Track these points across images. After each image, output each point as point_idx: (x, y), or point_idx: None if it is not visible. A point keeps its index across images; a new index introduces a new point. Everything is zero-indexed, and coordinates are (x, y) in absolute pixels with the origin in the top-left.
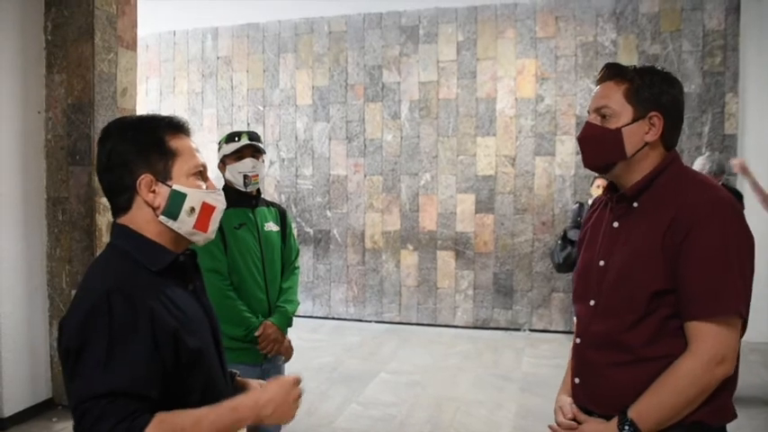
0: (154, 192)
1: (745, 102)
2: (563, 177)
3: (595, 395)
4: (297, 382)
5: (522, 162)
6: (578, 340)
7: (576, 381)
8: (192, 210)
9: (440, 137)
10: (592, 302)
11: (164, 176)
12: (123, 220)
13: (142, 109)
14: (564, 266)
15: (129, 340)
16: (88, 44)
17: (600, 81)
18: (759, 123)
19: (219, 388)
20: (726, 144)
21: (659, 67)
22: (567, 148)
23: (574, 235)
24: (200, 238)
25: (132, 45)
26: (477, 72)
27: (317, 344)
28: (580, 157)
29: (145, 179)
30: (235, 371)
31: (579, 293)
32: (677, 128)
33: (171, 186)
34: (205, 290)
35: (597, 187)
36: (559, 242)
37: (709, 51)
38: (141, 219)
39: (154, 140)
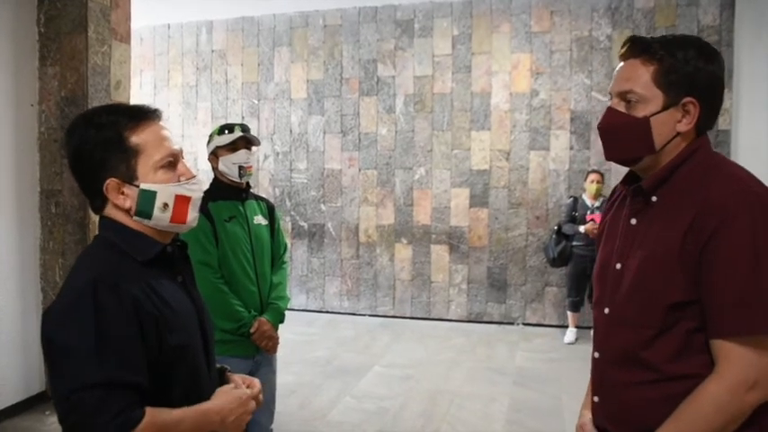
0: (123, 194)
1: (739, 97)
2: (557, 172)
3: (615, 417)
4: (253, 396)
5: (517, 156)
6: (596, 354)
7: (596, 399)
8: (166, 205)
9: (434, 131)
10: (606, 310)
11: (129, 177)
12: (106, 212)
13: (136, 102)
14: (558, 261)
15: (118, 330)
16: (82, 37)
17: (623, 57)
18: (752, 119)
19: (203, 384)
20: (719, 140)
21: (694, 36)
22: (562, 143)
23: (569, 229)
24: (182, 229)
25: (126, 38)
26: (472, 66)
27: (312, 337)
28: (575, 151)
29: (110, 184)
30: (226, 366)
31: (596, 298)
32: (715, 111)
33: (138, 186)
34: (195, 281)
35: (591, 182)
36: (554, 237)
37: None
38: (119, 216)
39: (114, 140)
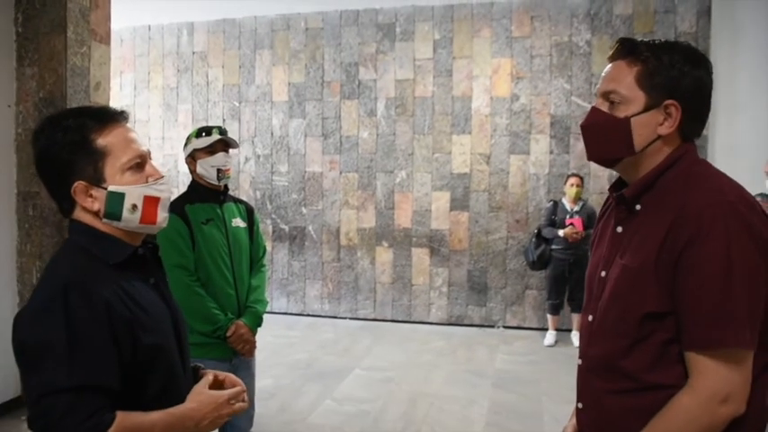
0: (91, 196)
1: (716, 102)
2: (537, 176)
3: (597, 424)
4: (233, 396)
5: (497, 160)
6: (580, 362)
7: (579, 406)
8: (135, 207)
9: (416, 134)
10: (590, 318)
11: (96, 179)
12: (75, 215)
13: (116, 103)
14: (538, 264)
15: (89, 334)
16: (61, 37)
17: (611, 58)
18: (729, 124)
19: (179, 383)
20: (697, 143)
21: (684, 42)
22: (542, 147)
23: (548, 233)
24: (152, 230)
25: (106, 39)
26: (453, 70)
27: (292, 340)
28: (555, 155)
29: (78, 186)
30: (199, 364)
31: (584, 305)
32: (700, 116)
33: (106, 188)
34: (167, 283)
35: (571, 186)
36: (533, 240)
37: None
38: (88, 218)
39: (80, 142)
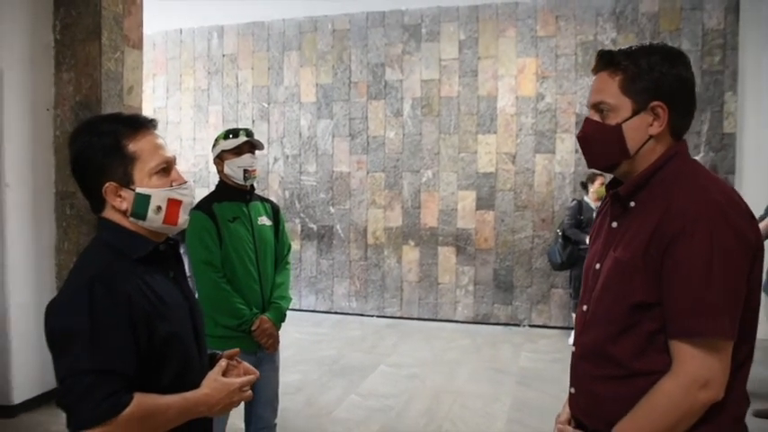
0: (120, 196)
1: (744, 100)
2: (563, 175)
3: (586, 408)
4: (245, 384)
5: (523, 159)
6: (574, 349)
7: (572, 391)
8: (159, 208)
9: (441, 134)
10: (585, 308)
11: (126, 181)
12: (105, 213)
13: (149, 106)
14: (567, 264)
15: (110, 323)
16: (95, 43)
17: (594, 71)
18: (757, 122)
19: (194, 371)
20: (724, 143)
21: (658, 43)
22: (567, 146)
23: (574, 235)
24: (173, 230)
25: (138, 44)
26: (479, 70)
27: (320, 337)
28: (580, 154)
29: (109, 187)
30: (217, 351)
31: (581, 296)
32: (688, 112)
33: (134, 190)
34: (186, 276)
35: (601, 185)
36: (560, 241)
37: (709, 50)
38: (117, 216)
39: (114, 147)
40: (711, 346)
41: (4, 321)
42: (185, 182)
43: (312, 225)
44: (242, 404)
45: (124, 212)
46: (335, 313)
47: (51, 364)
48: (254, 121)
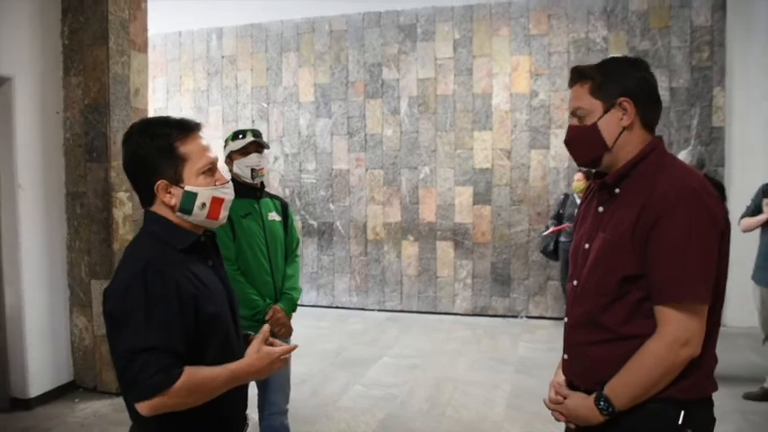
0: (170, 193)
1: (732, 95)
2: (557, 169)
3: (580, 371)
4: (285, 352)
5: (518, 155)
6: (566, 319)
7: (565, 357)
8: (204, 205)
9: (438, 131)
10: (575, 282)
11: (176, 180)
12: (153, 208)
13: (149, 107)
14: (554, 254)
15: (162, 306)
16: (103, 48)
17: (570, 85)
18: (745, 116)
19: (233, 346)
20: (713, 136)
21: (620, 55)
22: (561, 142)
23: (550, 224)
24: (214, 225)
25: (144, 47)
26: (474, 69)
27: (322, 331)
28: None
29: (161, 184)
30: (250, 332)
31: (570, 273)
32: (654, 106)
33: (183, 188)
34: (223, 265)
35: (578, 180)
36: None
37: (697, 47)
38: (164, 210)
39: (166, 148)
40: (691, 310)
41: (18, 317)
42: (227, 181)
43: (312, 222)
44: (255, 390)
45: (172, 207)
46: (337, 308)
47: (65, 359)
48: (253, 121)
